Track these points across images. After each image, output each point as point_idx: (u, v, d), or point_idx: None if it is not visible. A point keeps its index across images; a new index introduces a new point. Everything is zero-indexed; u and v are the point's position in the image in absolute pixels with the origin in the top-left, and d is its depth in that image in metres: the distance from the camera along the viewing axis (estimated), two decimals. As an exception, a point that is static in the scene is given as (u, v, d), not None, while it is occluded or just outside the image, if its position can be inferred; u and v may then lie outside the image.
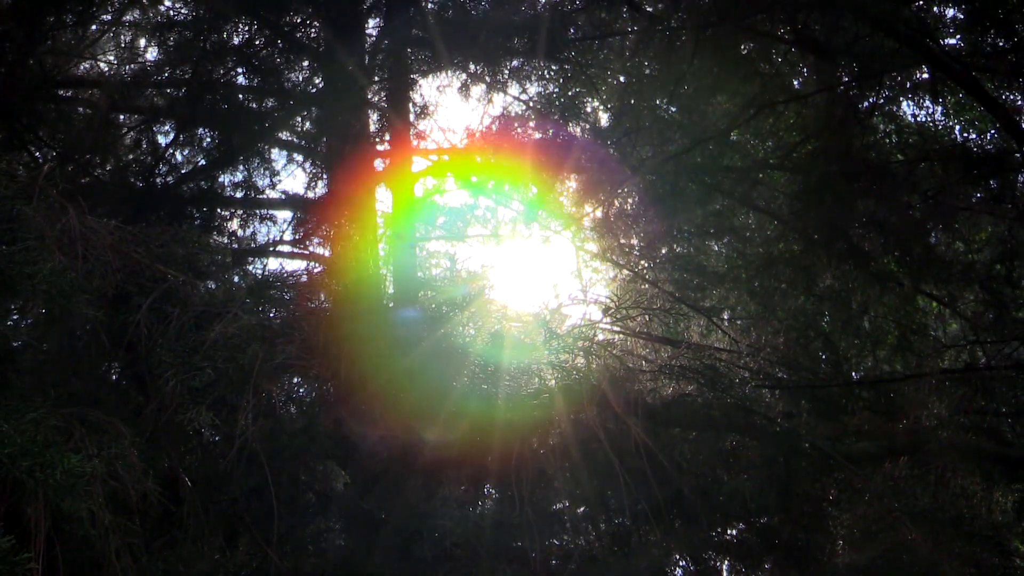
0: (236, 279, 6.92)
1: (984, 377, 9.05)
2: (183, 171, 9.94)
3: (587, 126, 10.02)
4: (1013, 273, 9.36)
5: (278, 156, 11.14)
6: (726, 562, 8.47)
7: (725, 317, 11.73)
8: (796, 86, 9.79)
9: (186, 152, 10.12)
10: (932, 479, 7.73)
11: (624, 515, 6.33)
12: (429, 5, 9.96)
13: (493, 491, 6.57)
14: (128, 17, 10.57)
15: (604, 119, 10.43)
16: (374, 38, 10.07)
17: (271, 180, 10.40)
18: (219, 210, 9.99)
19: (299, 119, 10.58)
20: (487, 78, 10.29)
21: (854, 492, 7.65)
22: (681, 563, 7.57)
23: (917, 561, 6.38)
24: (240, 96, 9.71)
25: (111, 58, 11.13)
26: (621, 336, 10.61)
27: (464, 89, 10.43)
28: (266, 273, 7.24)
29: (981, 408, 9.13)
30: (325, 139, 10.02)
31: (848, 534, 7.57)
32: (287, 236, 11.37)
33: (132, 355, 5.75)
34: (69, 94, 10.15)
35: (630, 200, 10.20)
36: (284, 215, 11.18)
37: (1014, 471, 9.20)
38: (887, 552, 6.54)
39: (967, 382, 9.11)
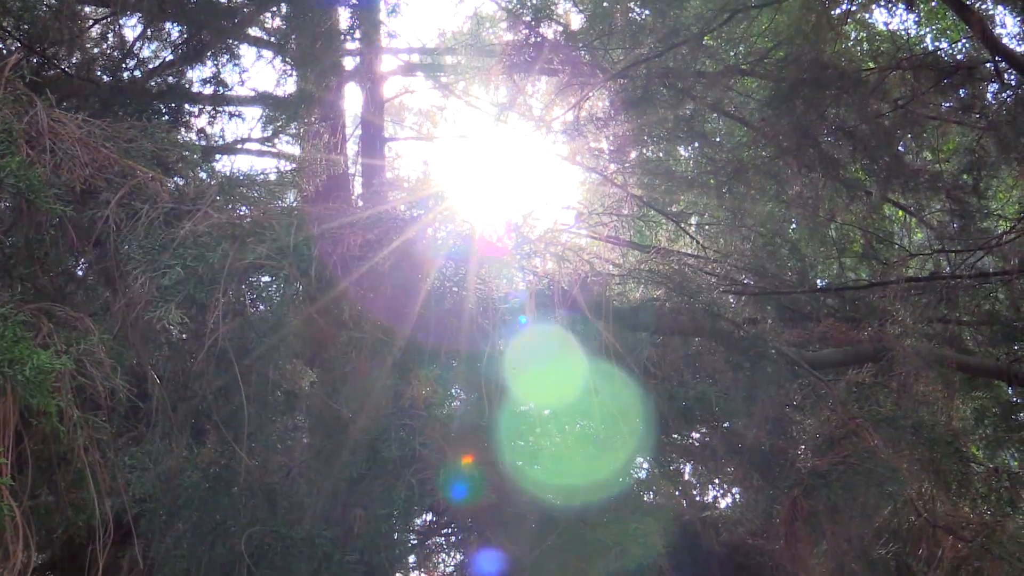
0: (205, 176, 6.84)
1: (948, 286, 9.16)
2: (151, 65, 9.80)
3: (559, 28, 9.93)
4: (980, 183, 9.43)
5: (247, 52, 11.01)
6: (689, 465, 8.62)
7: (693, 223, 11.79)
8: (770, -9, 9.74)
9: (154, 46, 9.97)
10: (895, 386, 7.83)
11: (590, 417, 6.37)
12: None
13: (461, 392, 6.61)
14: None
15: (577, 21, 10.35)
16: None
17: (240, 77, 10.28)
18: (187, 106, 9.87)
19: (268, 15, 10.44)
20: (459, -24, 10.17)
21: (818, 398, 7.74)
22: (645, 465, 7.67)
23: (878, 466, 6.48)
24: (209, -11, 9.54)
25: (76, -54, 10.91)
26: (590, 240, 10.64)
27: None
28: (235, 171, 7.17)
29: (944, 316, 9.26)
30: (295, 36, 9.90)
31: (811, 439, 7.68)
32: (256, 134, 11.31)
33: (100, 251, 5.70)
34: (33, -17, 9.95)
35: (600, 104, 10.15)
36: (253, 112, 11.09)
37: (974, 379, 9.38)
38: (849, 457, 6.64)
39: (931, 290, 9.22)
